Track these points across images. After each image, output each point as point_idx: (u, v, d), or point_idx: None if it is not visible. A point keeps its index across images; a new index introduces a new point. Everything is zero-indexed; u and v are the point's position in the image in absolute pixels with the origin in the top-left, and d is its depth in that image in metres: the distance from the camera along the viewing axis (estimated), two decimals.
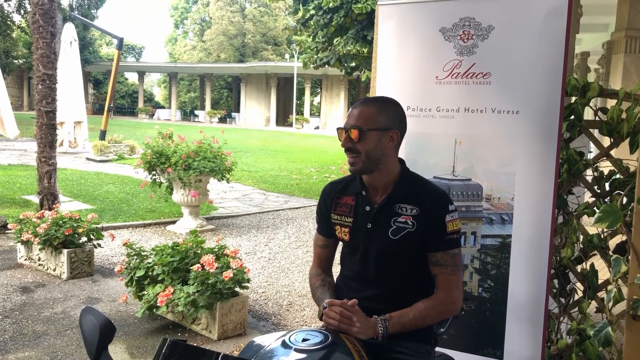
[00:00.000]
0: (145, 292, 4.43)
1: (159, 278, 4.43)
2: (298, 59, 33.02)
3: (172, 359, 1.33)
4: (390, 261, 1.91)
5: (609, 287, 2.56)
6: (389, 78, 3.00)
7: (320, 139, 31.38)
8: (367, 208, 1.96)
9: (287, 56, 46.36)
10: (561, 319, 3.03)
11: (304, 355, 1.64)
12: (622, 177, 2.80)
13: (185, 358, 1.33)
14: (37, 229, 5.73)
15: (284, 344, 1.70)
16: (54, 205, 7.02)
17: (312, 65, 16.76)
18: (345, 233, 2.01)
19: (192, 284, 4.21)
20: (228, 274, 4.19)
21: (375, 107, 1.95)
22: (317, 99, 54.57)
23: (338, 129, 1.97)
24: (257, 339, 1.84)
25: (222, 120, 46.43)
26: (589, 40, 14.18)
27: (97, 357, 1.45)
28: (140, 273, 4.51)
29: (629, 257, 2.38)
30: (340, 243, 2.13)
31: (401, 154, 2.09)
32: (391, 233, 1.90)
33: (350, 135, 1.90)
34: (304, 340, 1.71)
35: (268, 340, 1.77)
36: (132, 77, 59.18)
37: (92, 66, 46.51)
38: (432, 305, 1.88)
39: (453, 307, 1.93)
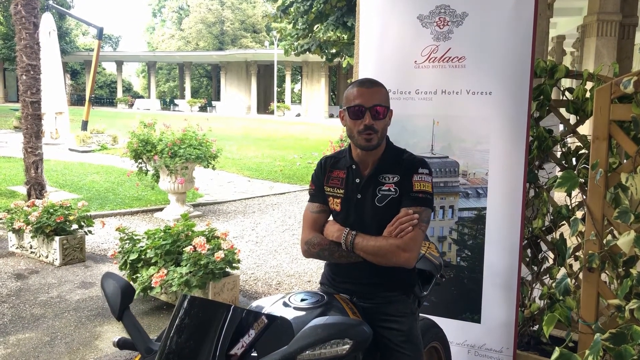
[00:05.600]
0: (139, 275, 4.59)
1: (152, 261, 4.59)
2: (278, 46, 33.00)
3: (190, 312, 1.52)
4: (376, 226, 2.09)
5: (568, 244, 2.87)
6: (370, 63, 3.18)
7: (302, 125, 31.49)
8: (357, 180, 2.15)
9: (266, 43, 46.14)
10: (534, 285, 3.28)
11: (303, 313, 1.84)
12: (587, 151, 3.03)
13: (201, 310, 1.51)
14: (28, 217, 5.84)
15: (285, 304, 1.90)
16: (43, 194, 7.11)
17: (292, 52, 16.85)
18: (337, 204, 2.19)
19: (185, 265, 4.38)
20: (219, 255, 4.37)
21: (382, 87, 2.10)
22: (297, 86, 54.55)
23: (352, 107, 2.05)
24: (256, 302, 2.03)
25: (203, 109, 46.22)
26: (564, 23, 14.46)
27: (120, 315, 1.63)
28: (133, 256, 4.67)
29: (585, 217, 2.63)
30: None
31: None
32: (377, 201, 2.09)
33: (377, 112, 2.03)
34: (302, 300, 1.91)
35: (268, 302, 1.96)
36: (109, 67, 58.51)
37: (69, 56, 45.75)
38: (389, 245, 2.01)
39: (405, 257, 2.00)
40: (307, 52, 16.45)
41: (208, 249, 4.42)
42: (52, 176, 11.04)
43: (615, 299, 2.43)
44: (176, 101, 49.79)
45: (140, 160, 8.10)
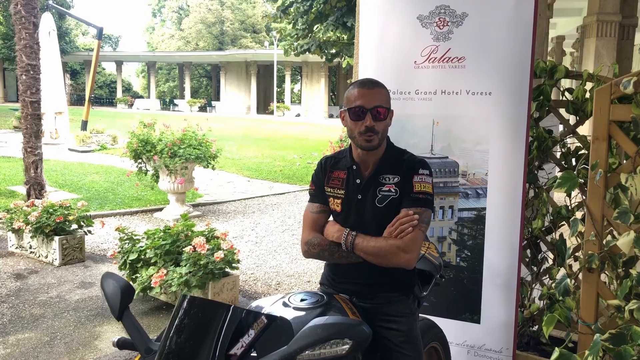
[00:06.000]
0: (139, 275, 4.59)
1: (152, 261, 4.59)
2: (278, 46, 32.97)
3: (190, 312, 1.52)
4: (376, 227, 2.09)
5: (568, 245, 2.88)
6: (370, 63, 3.18)
7: (302, 126, 31.48)
8: (358, 181, 2.15)
9: (266, 43, 46.15)
10: (533, 285, 3.28)
11: (303, 313, 1.84)
12: (587, 152, 3.03)
13: (201, 310, 1.51)
14: (28, 217, 5.84)
15: (284, 304, 1.90)
16: (43, 194, 7.11)
17: (292, 53, 16.86)
18: (337, 204, 2.19)
19: (185, 265, 4.37)
20: (219, 255, 4.37)
21: (384, 88, 2.10)
22: (297, 87, 54.54)
23: (353, 108, 2.05)
24: (256, 302, 2.03)
25: (203, 109, 46.23)
26: (564, 24, 14.47)
27: (120, 315, 1.63)
28: (133, 256, 4.67)
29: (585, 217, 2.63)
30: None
31: None
32: (377, 201, 2.09)
33: (378, 113, 2.02)
34: (302, 300, 1.91)
35: (268, 302, 1.96)
36: (109, 67, 58.50)
37: (69, 56, 45.71)
38: (389, 246, 2.01)
39: (405, 258, 2.00)
40: (307, 52, 16.46)
41: (208, 249, 4.42)
42: (51, 176, 11.04)
43: (615, 299, 2.43)
44: (176, 101, 49.75)
45: (139, 160, 8.11)
